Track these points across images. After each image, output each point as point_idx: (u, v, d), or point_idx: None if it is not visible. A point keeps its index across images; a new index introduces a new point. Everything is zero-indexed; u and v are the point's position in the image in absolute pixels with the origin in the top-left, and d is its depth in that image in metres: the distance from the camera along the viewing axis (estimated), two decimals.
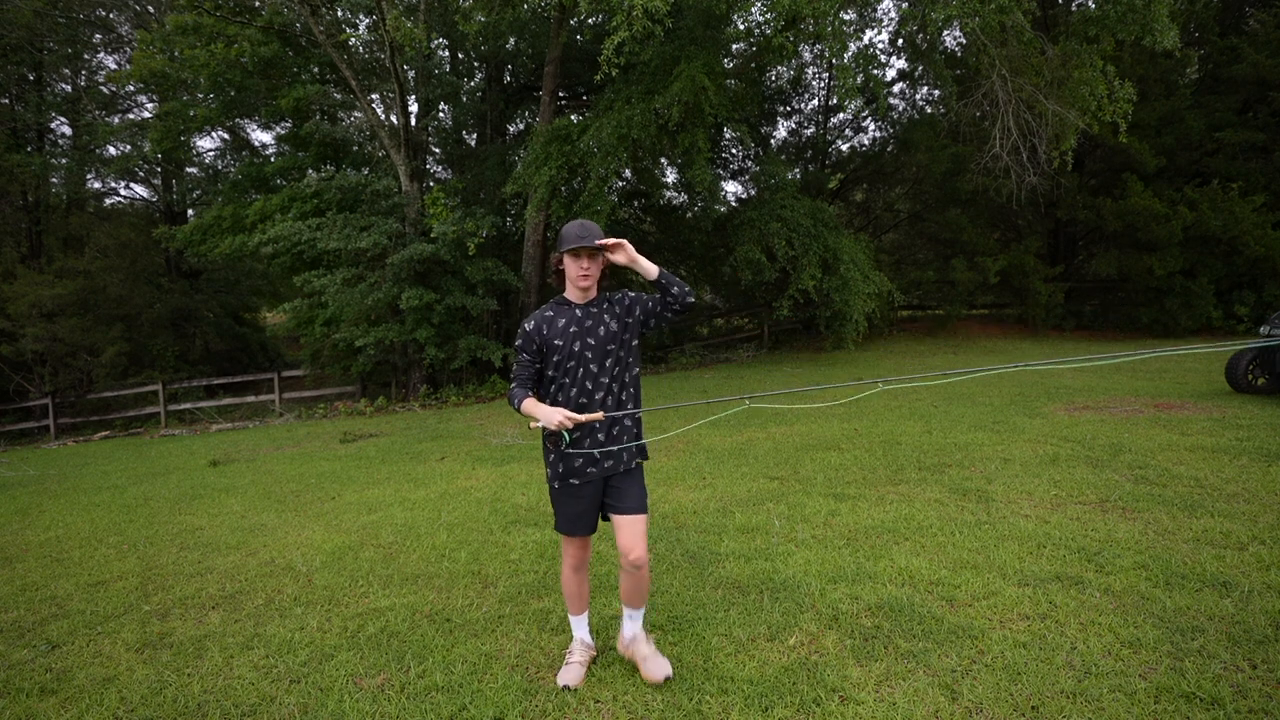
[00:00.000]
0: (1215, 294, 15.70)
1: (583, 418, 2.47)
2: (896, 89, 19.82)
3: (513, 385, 2.59)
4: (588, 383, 2.54)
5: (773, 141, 21.07)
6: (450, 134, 18.21)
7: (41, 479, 8.52)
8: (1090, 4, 12.33)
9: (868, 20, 13.21)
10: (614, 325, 2.58)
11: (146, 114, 18.34)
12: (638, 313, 2.63)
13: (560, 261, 2.56)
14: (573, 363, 2.54)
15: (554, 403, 2.54)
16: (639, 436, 2.66)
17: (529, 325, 2.56)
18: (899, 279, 18.40)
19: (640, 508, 2.54)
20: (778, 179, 14.71)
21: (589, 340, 2.55)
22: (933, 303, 19.01)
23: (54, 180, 18.10)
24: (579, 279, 2.52)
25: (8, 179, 16.24)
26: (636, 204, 18.30)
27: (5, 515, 6.40)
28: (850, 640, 2.79)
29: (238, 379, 15.84)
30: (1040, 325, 17.17)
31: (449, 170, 18.51)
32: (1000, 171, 12.82)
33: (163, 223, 18.69)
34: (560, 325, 2.55)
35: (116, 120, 18.22)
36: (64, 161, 18.01)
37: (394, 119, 14.60)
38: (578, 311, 2.58)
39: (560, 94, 16.18)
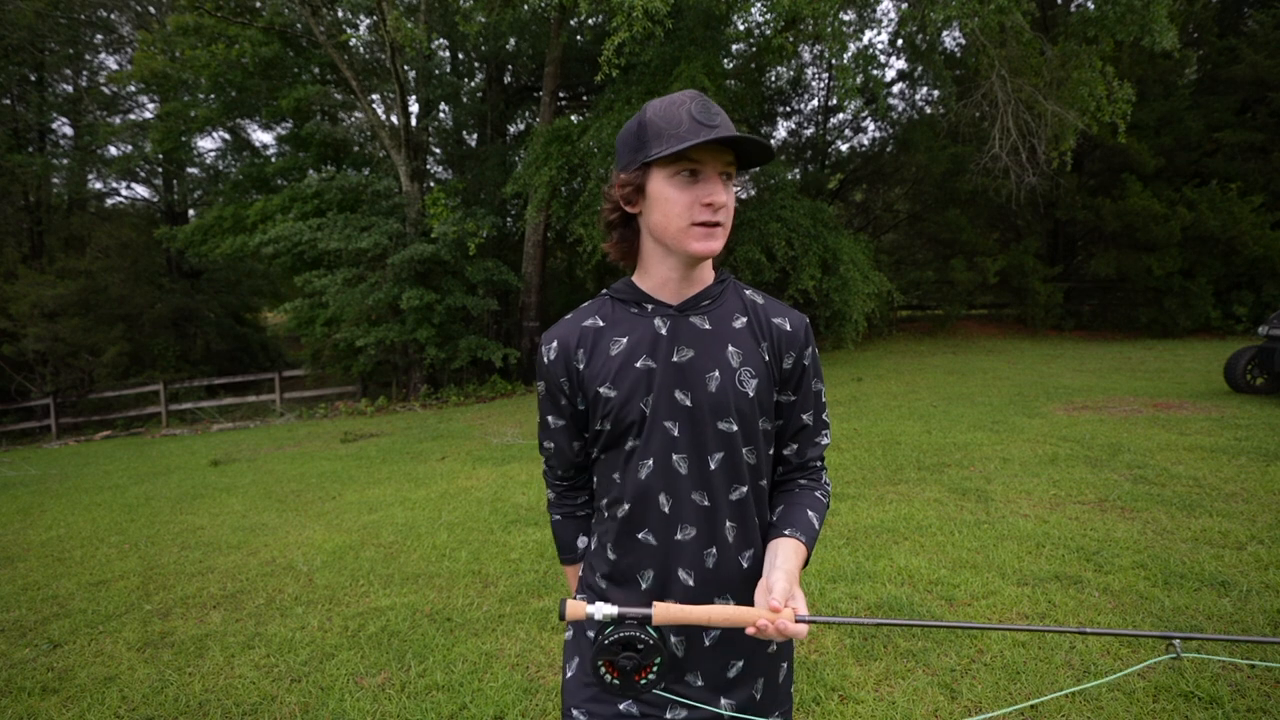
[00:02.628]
0: (1214, 294, 15.72)
1: (701, 613, 0.93)
2: (896, 89, 19.83)
3: (551, 497, 1.31)
4: (669, 496, 1.09)
5: (772, 142, 21.09)
6: (450, 134, 18.24)
7: (43, 479, 8.53)
8: (1089, 5, 12.33)
9: (867, 21, 13.19)
10: (747, 370, 1.10)
11: (148, 114, 18.38)
12: (789, 364, 1.13)
13: (630, 188, 1.06)
14: (638, 440, 1.10)
15: (602, 540, 1.19)
16: (788, 664, 1.20)
17: (550, 350, 1.14)
18: (898, 279, 18.39)
19: None
20: (777, 179, 14.71)
21: (678, 393, 1.08)
22: (932, 303, 19.03)
23: (55, 180, 18.16)
24: (696, 234, 1.03)
25: (9, 179, 16.27)
26: None
27: (7, 515, 6.41)
28: (850, 639, 2.80)
29: (239, 379, 15.87)
30: (1039, 325, 17.21)
31: (449, 170, 18.53)
32: (999, 172, 12.81)
33: (164, 223, 18.71)
34: (619, 350, 1.10)
35: (118, 120, 18.25)
36: (65, 162, 18.07)
37: (394, 119, 14.61)
38: (659, 321, 1.11)
39: (560, 94, 16.20)
